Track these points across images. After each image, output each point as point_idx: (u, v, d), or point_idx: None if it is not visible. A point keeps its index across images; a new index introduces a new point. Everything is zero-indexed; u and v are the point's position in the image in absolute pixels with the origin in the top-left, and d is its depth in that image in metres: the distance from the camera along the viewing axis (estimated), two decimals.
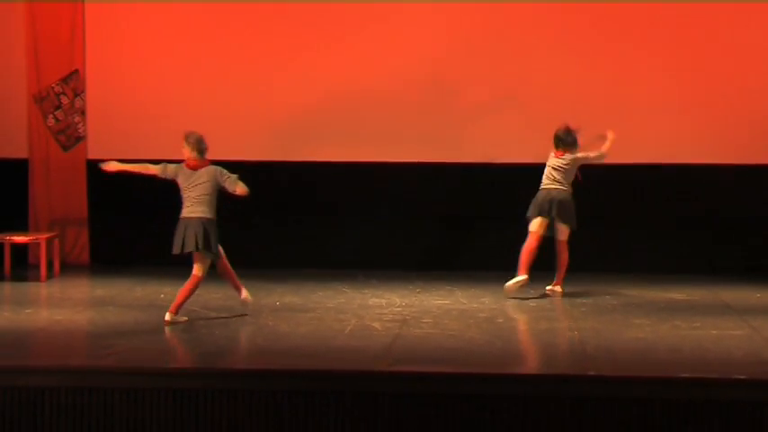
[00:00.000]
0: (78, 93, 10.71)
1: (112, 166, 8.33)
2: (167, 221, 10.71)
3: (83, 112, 10.72)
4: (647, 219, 10.35)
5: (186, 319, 8.09)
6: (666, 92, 10.31)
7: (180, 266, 10.37)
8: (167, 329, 7.79)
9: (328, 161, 10.58)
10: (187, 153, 8.08)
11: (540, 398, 6.34)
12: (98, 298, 9.14)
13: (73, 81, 10.70)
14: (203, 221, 7.97)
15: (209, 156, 10.52)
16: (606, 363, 6.89)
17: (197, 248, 7.96)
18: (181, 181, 8.08)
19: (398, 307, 8.71)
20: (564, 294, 9.24)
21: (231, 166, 10.54)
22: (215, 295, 9.14)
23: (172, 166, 8.15)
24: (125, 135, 10.67)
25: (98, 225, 10.81)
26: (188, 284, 8.03)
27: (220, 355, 7.06)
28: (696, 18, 10.27)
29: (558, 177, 9.15)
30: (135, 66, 10.65)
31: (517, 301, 9.00)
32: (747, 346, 7.32)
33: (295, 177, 10.72)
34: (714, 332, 7.78)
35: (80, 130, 10.76)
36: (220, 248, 8.13)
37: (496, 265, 10.32)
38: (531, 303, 8.91)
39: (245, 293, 8.35)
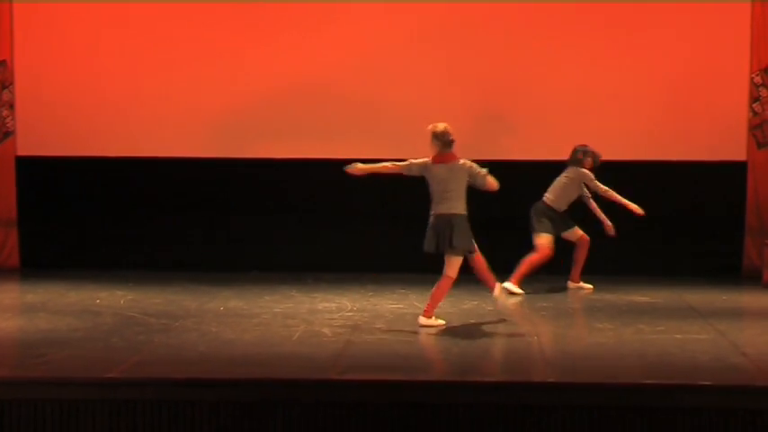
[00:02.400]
0: (6, 85, 10.56)
1: (358, 169, 8.13)
2: (102, 223, 10.69)
3: (11, 106, 10.57)
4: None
5: (443, 322, 8.10)
6: (626, 90, 10.42)
7: (117, 270, 10.33)
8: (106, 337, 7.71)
9: (272, 158, 10.56)
10: (436, 148, 8.01)
11: (498, 406, 6.36)
12: (29, 304, 9.02)
13: (0, 73, 10.54)
14: (453, 218, 7.96)
15: (159, 151, 10.54)
16: (567, 369, 6.93)
17: (449, 247, 7.95)
18: (429, 177, 8.03)
19: (349, 312, 8.69)
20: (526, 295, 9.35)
21: (169, 163, 10.61)
22: (155, 300, 9.07)
23: (417, 163, 8.06)
24: (57, 130, 10.57)
25: (29, 226, 10.68)
26: (441, 285, 8.03)
27: (160, 363, 6.99)
28: (641, 18, 10.40)
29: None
30: (67, 57, 10.55)
31: (474, 304, 9.03)
32: (713, 350, 7.40)
33: (238, 175, 10.68)
34: (679, 336, 7.86)
35: (8, 125, 10.61)
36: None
37: None
38: (489, 307, 8.94)
39: (497, 289, 8.41)
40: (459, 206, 8.01)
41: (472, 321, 8.39)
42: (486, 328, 8.15)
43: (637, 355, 7.36)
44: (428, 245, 8.05)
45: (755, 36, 10.39)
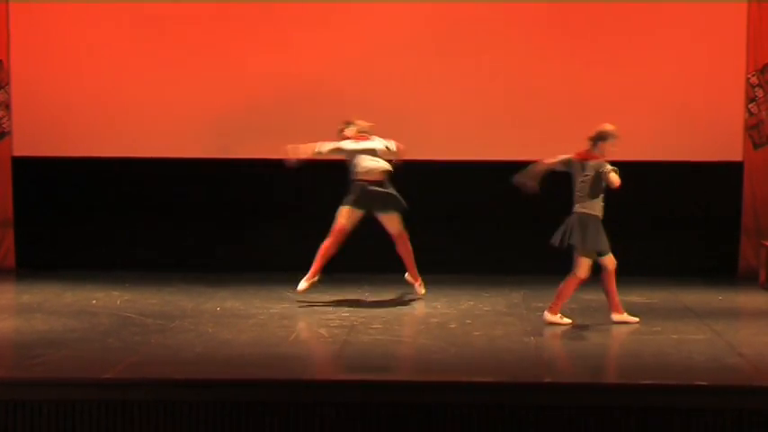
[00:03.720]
0: (2, 85, 10.56)
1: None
2: (98, 224, 10.68)
3: (7, 106, 10.57)
4: (604, 219, 10.45)
5: (570, 321, 8.20)
6: (623, 91, 10.41)
7: (112, 271, 10.33)
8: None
9: (268, 159, 10.54)
10: (587, 144, 8.16)
11: (495, 407, 6.37)
12: (25, 304, 9.02)
13: None
14: (583, 217, 8.10)
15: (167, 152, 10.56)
16: (564, 369, 6.94)
17: (579, 246, 8.08)
18: (573, 174, 8.19)
19: (346, 312, 8.70)
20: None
21: (165, 163, 10.61)
22: (151, 301, 9.07)
23: (566, 158, 8.23)
24: (53, 131, 10.55)
25: (25, 227, 10.67)
26: (570, 283, 8.13)
27: (157, 364, 7.00)
28: (638, 20, 10.41)
29: None
30: (63, 58, 10.54)
31: (471, 305, 9.05)
32: (709, 351, 7.42)
33: (234, 176, 10.68)
34: (675, 336, 7.88)
35: (4, 125, 10.60)
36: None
37: (449, 268, 10.40)
38: (485, 308, 8.96)
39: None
40: (589, 205, 8.13)
41: (468, 322, 8.40)
42: (482, 328, 8.16)
43: (633, 355, 7.38)
44: (558, 239, 8.20)
45: (752, 37, 10.41)
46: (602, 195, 8.17)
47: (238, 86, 10.50)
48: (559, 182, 10.07)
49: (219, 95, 10.51)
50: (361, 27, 10.52)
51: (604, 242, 8.18)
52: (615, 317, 8.32)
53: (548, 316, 8.21)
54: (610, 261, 8.24)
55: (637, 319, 8.32)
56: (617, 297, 8.32)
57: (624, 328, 8.13)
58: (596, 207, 8.16)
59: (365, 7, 10.51)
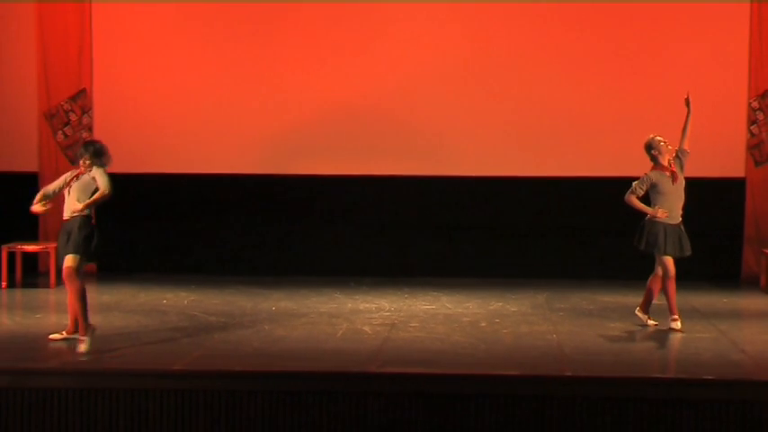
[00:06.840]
0: (86, 110, 10.70)
1: None
2: (167, 233, 10.74)
3: (90, 129, 10.70)
4: (620, 227, 10.36)
5: (656, 323, 8.05)
6: (637, 112, 10.31)
7: (181, 274, 10.39)
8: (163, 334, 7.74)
9: (323, 174, 10.59)
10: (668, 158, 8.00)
11: (520, 397, 6.34)
12: (104, 303, 9.10)
13: (81, 99, 10.69)
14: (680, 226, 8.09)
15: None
16: (583, 364, 6.89)
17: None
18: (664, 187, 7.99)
19: (387, 312, 8.69)
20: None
21: (231, 178, 10.67)
22: (214, 301, 9.12)
23: (653, 175, 7.99)
24: (130, 150, 10.63)
25: (104, 233, 10.75)
26: (666, 286, 8.02)
27: (220, 357, 7.03)
28: (650, 49, 10.31)
29: None
30: (140, 84, 10.64)
31: (499, 306, 9.01)
32: (715, 348, 7.33)
33: (291, 190, 10.71)
34: (684, 335, 7.79)
35: None
36: None
37: (479, 273, 10.37)
38: (512, 308, 8.91)
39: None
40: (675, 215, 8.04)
41: (497, 321, 8.36)
42: (509, 326, 8.12)
43: (645, 351, 7.30)
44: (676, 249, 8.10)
45: (753, 65, 10.32)
46: (659, 202, 7.94)
47: (308, 106, 10.48)
48: (572, 197, 10.09)
49: (290, 114, 10.53)
50: (404, 52, 10.47)
51: (653, 244, 8.03)
52: (638, 311, 8.20)
53: (676, 325, 7.96)
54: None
55: (654, 322, 8.14)
56: (651, 298, 8.18)
57: (637, 327, 8.05)
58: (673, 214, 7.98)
59: (411, 33, 10.43)
